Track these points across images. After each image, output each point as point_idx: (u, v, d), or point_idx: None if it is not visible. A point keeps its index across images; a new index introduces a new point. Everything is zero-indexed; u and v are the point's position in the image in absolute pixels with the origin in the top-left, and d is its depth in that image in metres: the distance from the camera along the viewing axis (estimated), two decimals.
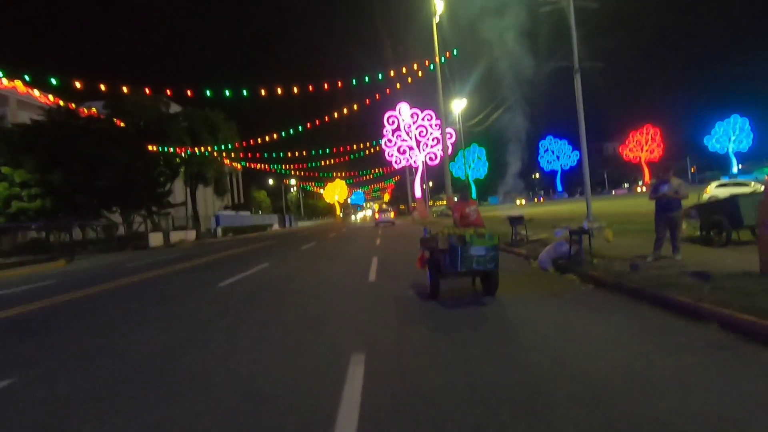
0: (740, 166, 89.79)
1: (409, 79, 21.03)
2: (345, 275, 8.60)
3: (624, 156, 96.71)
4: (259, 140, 27.23)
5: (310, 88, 20.25)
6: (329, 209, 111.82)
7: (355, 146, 41.11)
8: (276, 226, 67.03)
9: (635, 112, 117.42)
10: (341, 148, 40.27)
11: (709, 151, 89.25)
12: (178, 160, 31.90)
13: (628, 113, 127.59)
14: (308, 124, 25.88)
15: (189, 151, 29.09)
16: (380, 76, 20.07)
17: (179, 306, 6.73)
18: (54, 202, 24.91)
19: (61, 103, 29.18)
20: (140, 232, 30.36)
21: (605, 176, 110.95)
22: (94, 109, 29.36)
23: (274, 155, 36.69)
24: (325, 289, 7.26)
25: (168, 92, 19.93)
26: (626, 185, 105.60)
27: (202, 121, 31.60)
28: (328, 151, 39.79)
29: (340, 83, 20.47)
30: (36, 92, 33.30)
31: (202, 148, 29.33)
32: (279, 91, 20.50)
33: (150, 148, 27.78)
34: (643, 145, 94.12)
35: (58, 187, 24.64)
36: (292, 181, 78.63)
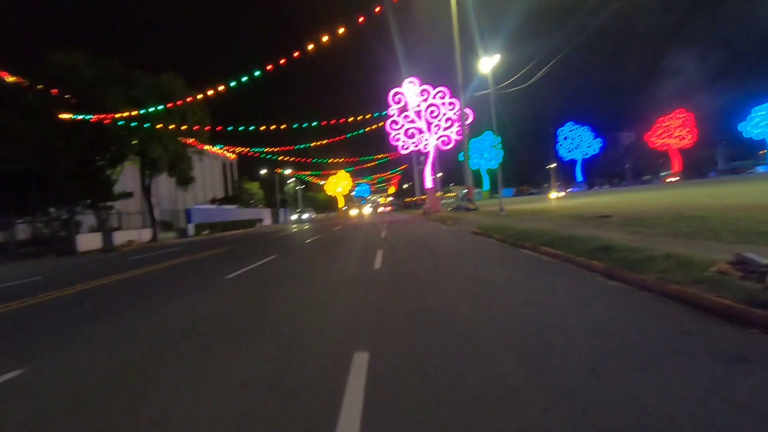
0: None
1: None
2: None
3: (650, 143, 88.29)
4: (219, 89, 19.28)
5: None
6: (331, 202, 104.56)
7: (351, 119, 33.49)
8: (268, 221, 59.96)
9: (656, 97, 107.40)
10: (333, 121, 32.70)
11: (743, 138, 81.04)
12: (133, 141, 24.53)
13: (645, 99, 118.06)
14: (269, 67, 18.22)
15: (122, 120, 21.57)
16: None
17: None
18: None
19: None
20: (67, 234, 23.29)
21: (625, 167, 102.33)
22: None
23: (243, 128, 29.11)
24: None
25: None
26: (647, 176, 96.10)
27: (152, 87, 24.21)
28: (315, 124, 32.24)
29: None
30: None
31: (123, 114, 20.92)
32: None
33: (62, 117, 20.55)
34: (672, 131, 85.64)
35: None
36: (288, 171, 71.25)
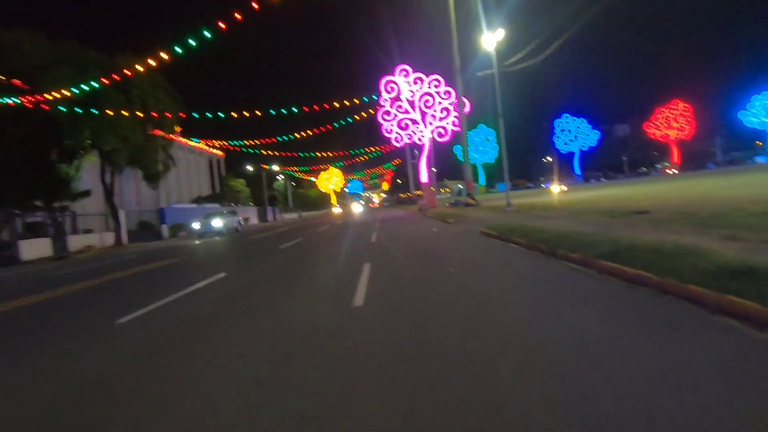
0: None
1: None
2: None
3: (650, 134, 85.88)
4: (163, 56, 15.94)
5: None
6: (323, 199, 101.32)
7: (337, 104, 30.49)
8: (255, 221, 56.82)
9: (650, 87, 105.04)
10: (316, 107, 29.69)
11: (741, 128, 79.02)
12: (82, 131, 20.47)
13: (641, 90, 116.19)
14: (222, 25, 15.12)
15: (62, 106, 18.19)
16: None
17: None
18: None
19: None
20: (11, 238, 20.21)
21: (624, 159, 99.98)
22: None
23: (211, 116, 26.02)
24: None
25: None
26: (644, 169, 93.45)
27: (107, 68, 20.72)
28: (295, 110, 29.24)
29: None
30: None
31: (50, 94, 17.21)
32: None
33: None
34: (671, 122, 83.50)
35: None
36: (276, 168, 68.13)
